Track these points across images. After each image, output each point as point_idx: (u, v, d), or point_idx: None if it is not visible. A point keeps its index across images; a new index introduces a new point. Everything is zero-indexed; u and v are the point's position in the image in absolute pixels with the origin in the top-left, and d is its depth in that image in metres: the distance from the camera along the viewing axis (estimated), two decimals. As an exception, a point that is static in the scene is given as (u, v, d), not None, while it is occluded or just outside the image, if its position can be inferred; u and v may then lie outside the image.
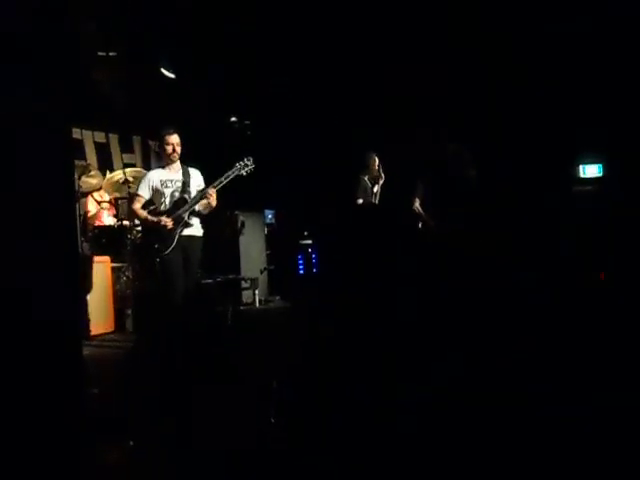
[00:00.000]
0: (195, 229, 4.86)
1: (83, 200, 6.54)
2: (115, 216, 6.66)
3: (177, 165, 4.91)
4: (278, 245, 8.81)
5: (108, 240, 6.15)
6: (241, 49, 7.13)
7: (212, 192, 4.72)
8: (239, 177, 4.89)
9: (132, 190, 5.95)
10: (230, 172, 4.83)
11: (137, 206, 4.93)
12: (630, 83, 7.54)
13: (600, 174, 8.43)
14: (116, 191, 6.50)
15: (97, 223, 6.44)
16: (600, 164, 8.42)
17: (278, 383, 2.99)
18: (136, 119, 7.65)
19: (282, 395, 2.93)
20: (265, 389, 3.21)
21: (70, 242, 3.32)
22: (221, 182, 4.77)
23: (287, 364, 4.03)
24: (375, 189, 7.15)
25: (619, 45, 7.42)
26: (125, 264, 6.10)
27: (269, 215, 9.08)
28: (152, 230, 4.79)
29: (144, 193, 4.89)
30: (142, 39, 6.59)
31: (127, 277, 6.10)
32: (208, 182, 4.92)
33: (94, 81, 6.63)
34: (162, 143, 4.93)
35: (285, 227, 8.96)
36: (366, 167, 7.11)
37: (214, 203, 4.78)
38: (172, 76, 6.93)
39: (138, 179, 6.24)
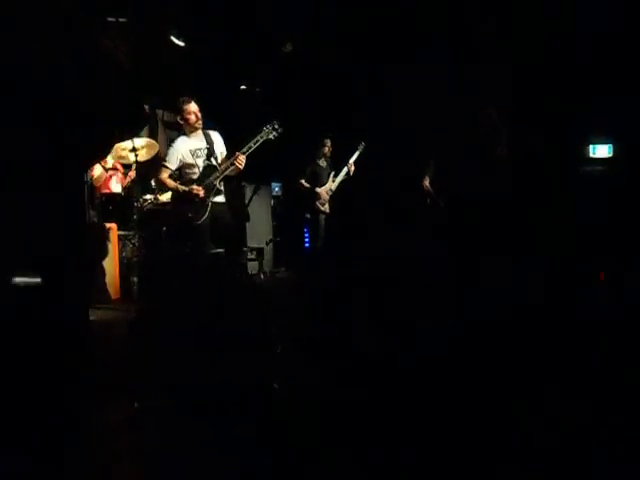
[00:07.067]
0: (223, 196, 4.98)
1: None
2: (123, 184, 6.65)
3: (200, 132, 4.97)
4: (284, 217, 8.81)
5: (115, 208, 6.16)
6: (250, 16, 7.04)
7: (242, 158, 4.79)
8: (268, 142, 4.96)
9: (139, 158, 6.00)
10: (258, 137, 4.90)
11: (164, 176, 5.00)
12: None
13: (610, 154, 8.34)
14: (123, 159, 6.48)
15: (104, 190, 6.44)
16: (610, 144, 8.32)
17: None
18: (144, 87, 7.57)
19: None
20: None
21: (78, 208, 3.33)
22: (250, 147, 4.84)
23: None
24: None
25: (634, 23, 7.31)
26: (132, 232, 6.11)
27: (276, 187, 9.08)
28: (184, 199, 4.87)
29: (171, 164, 4.97)
30: (152, 6, 6.52)
31: (134, 245, 6.12)
32: (234, 147, 4.99)
33: (103, 47, 6.55)
34: (183, 113, 4.95)
35: (292, 200, 8.95)
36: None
37: (242, 168, 4.86)
38: (182, 44, 6.86)
39: (147, 146, 6.24)
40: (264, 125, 4.96)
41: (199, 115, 4.93)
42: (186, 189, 4.86)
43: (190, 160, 4.93)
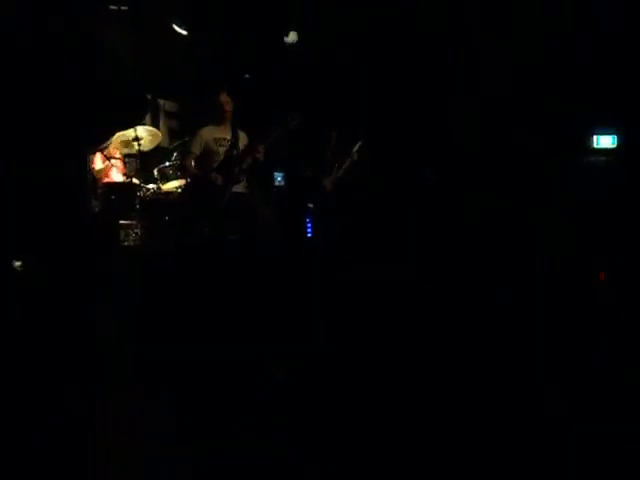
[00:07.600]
0: (242, 186, 5.06)
1: (91, 156, 6.48)
2: (124, 174, 6.62)
3: (228, 124, 5.09)
4: (287, 207, 8.77)
5: (117, 197, 6.13)
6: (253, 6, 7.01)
7: (260, 148, 4.89)
8: (287, 131, 5.03)
9: (142, 148, 6.02)
10: (278, 127, 4.98)
11: (189, 162, 5.18)
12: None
13: (614, 145, 8.27)
14: (126, 148, 6.45)
15: (106, 180, 6.41)
16: (614, 135, 8.26)
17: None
18: (146, 76, 7.53)
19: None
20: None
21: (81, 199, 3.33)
22: (269, 138, 4.93)
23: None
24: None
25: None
26: (134, 221, 6.09)
27: (278, 177, 9.03)
28: (203, 186, 4.98)
29: (195, 149, 5.13)
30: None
31: (136, 234, 6.10)
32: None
33: (105, 36, 6.51)
34: (214, 104, 5.13)
35: (295, 190, 8.92)
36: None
37: (262, 159, 4.95)
38: (184, 33, 6.82)
39: (150, 136, 6.24)
40: (284, 116, 5.05)
41: (227, 107, 5.09)
42: (205, 176, 4.99)
43: (213, 147, 5.07)
